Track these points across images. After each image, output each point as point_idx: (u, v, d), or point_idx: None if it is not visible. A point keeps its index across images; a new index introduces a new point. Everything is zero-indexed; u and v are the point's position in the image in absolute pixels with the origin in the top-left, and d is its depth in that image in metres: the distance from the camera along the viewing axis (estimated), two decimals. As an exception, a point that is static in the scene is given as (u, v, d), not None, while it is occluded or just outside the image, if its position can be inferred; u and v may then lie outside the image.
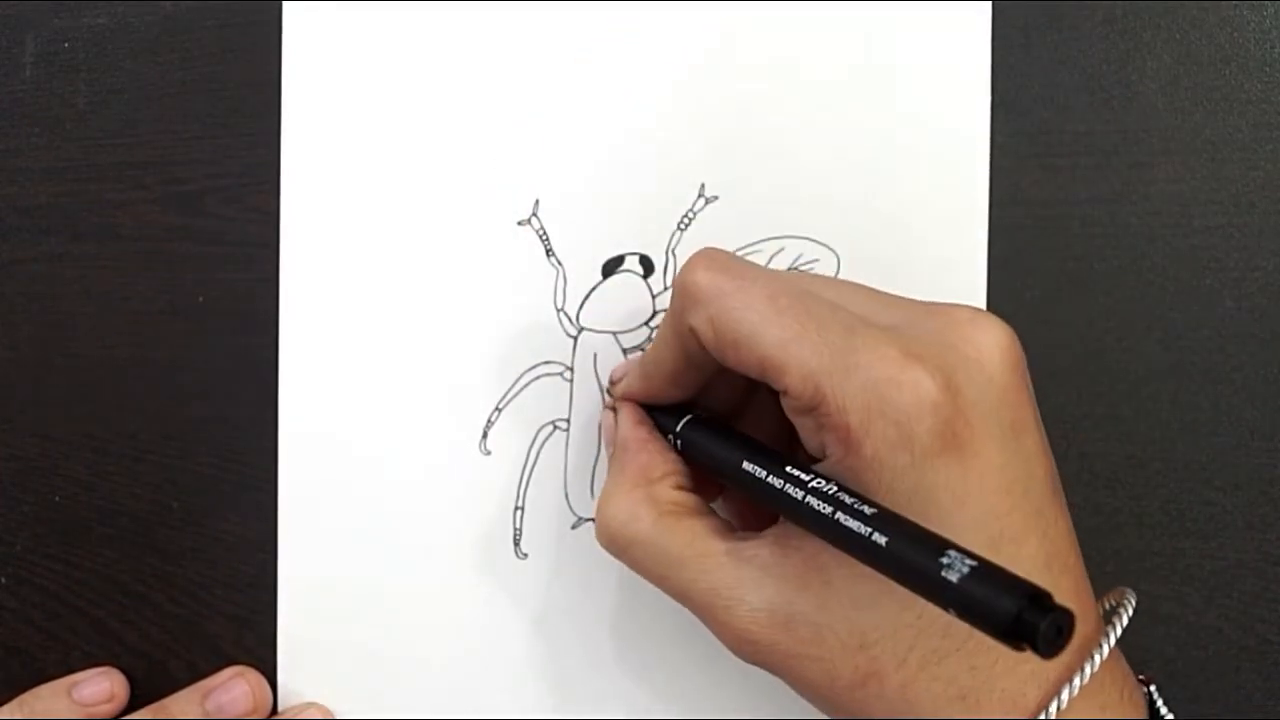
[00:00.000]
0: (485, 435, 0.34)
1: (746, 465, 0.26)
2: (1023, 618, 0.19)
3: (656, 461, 0.28)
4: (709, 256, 0.26)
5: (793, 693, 0.26)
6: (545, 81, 0.34)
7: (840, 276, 0.33)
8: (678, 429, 0.29)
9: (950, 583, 0.20)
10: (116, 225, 0.36)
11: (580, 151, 0.34)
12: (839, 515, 0.22)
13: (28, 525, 0.37)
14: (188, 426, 0.36)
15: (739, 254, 0.33)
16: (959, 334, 0.24)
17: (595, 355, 0.34)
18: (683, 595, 0.26)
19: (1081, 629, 0.23)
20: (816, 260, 0.33)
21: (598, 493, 0.34)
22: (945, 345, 0.24)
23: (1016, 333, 0.25)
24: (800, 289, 0.25)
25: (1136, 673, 0.26)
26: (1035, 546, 0.24)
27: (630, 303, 0.34)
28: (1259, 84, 0.32)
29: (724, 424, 0.29)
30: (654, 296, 0.34)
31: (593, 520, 0.34)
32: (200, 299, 0.36)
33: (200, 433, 0.36)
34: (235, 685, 0.35)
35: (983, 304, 0.33)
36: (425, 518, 0.34)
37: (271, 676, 0.35)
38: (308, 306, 0.35)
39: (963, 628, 0.23)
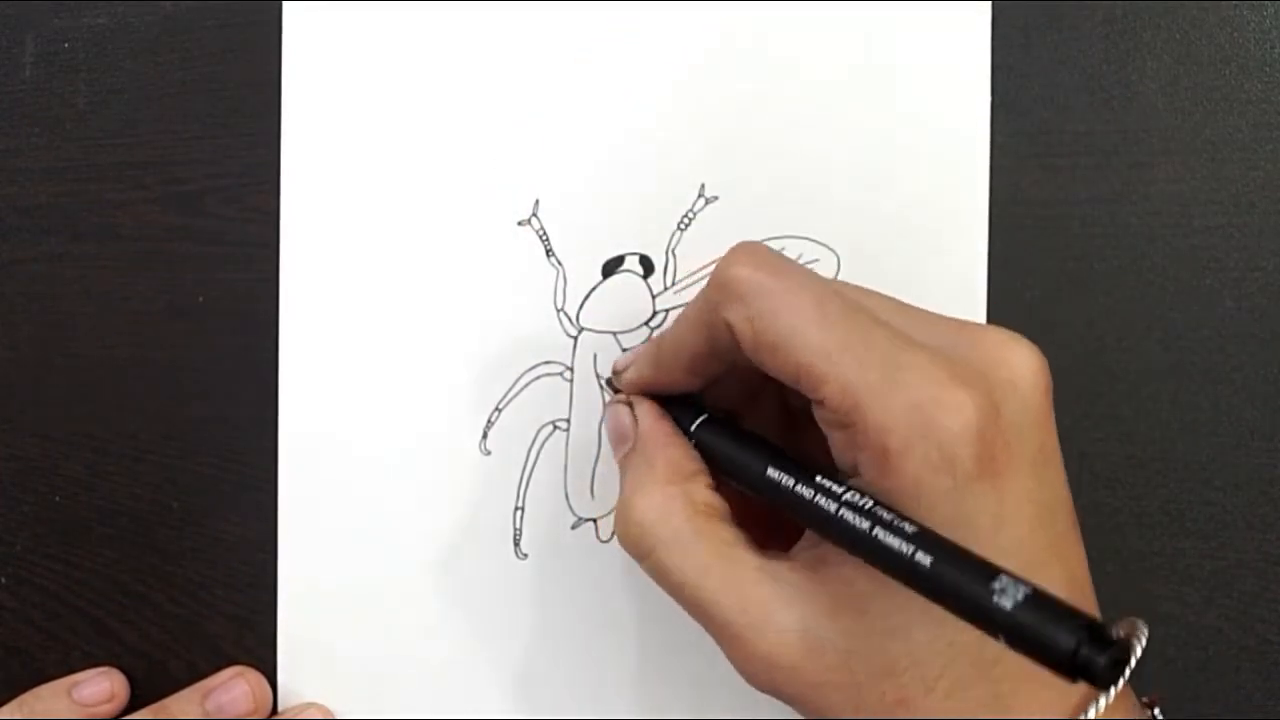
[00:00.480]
0: (485, 435, 0.34)
1: (771, 472, 0.25)
2: (1081, 651, 0.18)
3: (687, 458, 0.27)
4: (752, 251, 0.25)
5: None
6: (545, 81, 0.34)
7: (840, 276, 0.33)
8: (692, 429, 0.27)
9: (1003, 610, 0.19)
10: (116, 225, 0.36)
11: (580, 151, 0.34)
12: (877, 531, 0.22)
13: (28, 525, 0.37)
14: (188, 426, 0.36)
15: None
16: (997, 356, 0.24)
17: (595, 355, 0.34)
18: (705, 608, 0.25)
19: None
20: (817, 260, 0.33)
21: (598, 493, 0.34)
22: (986, 367, 0.24)
23: (1017, 330, 0.25)
24: (848, 299, 0.25)
25: (1139, 692, 0.26)
26: (1059, 574, 0.23)
27: (630, 303, 0.34)
28: (1259, 84, 0.32)
29: (739, 425, 0.28)
30: (654, 296, 0.34)
31: (592, 521, 0.34)
32: (200, 299, 0.36)
33: (200, 433, 0.36)
34: (235, 685, 0.35)
35: (983, 304, 0.33)
36: (425, 518, 0.34)
37: (271, 677, 0.35)
38: (308, 306, 0.35)
39: (990, 654, 0.23)
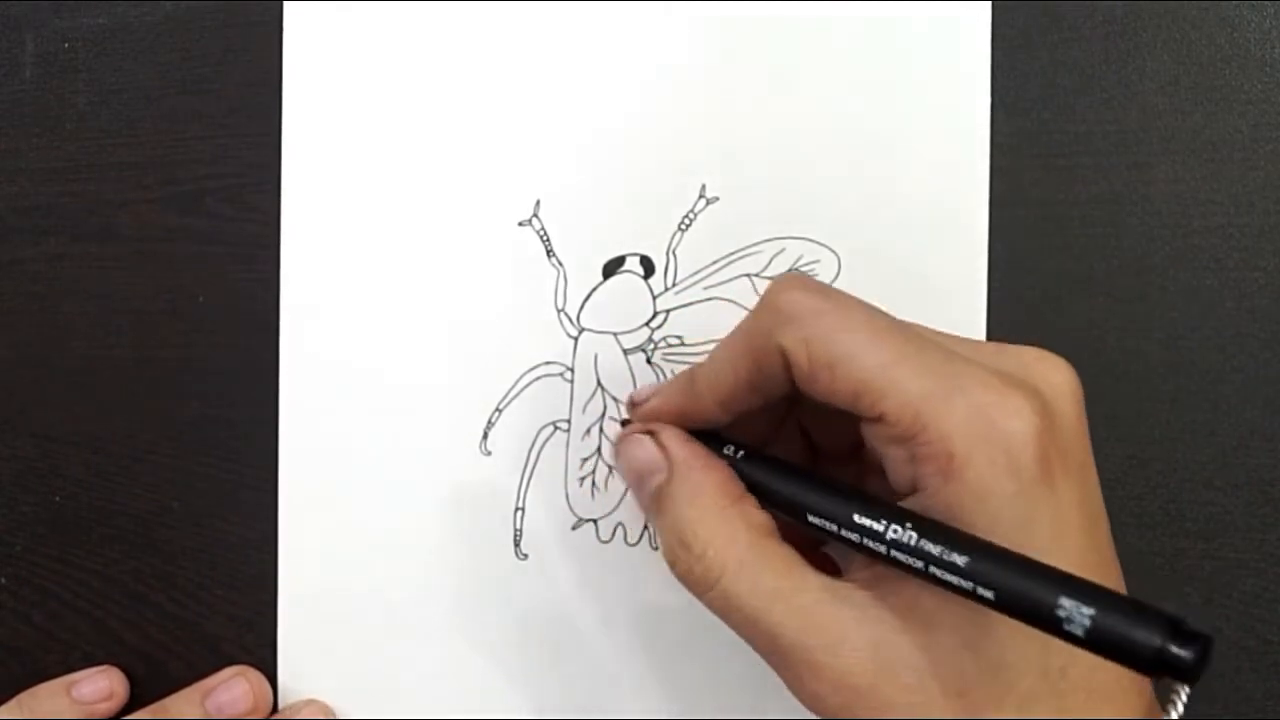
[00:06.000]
0: (485, 435, 0.34)
1: (813, 519, 0.24)
2: (1167, 649, 0.19)
3: (732, 479, 0.26)
4: (800, 278, 0.26)
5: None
6: (545, 81, 0.34)
7: (840, 276, 0.33)
8: (735, 459, 0.26)
9: (1078, 627, 0.20)
10: (116, 225, 0.36)
11: (581, 152, 0.34)
12: (932, 569, 0.22)
13: (28, 525, 0.37)
14: (188, 426, 0.36)
15: (740, 255, 0.33)
16: (1038, 370, 0.24)
17: (595, 356, 0.34)
18: (773, 634, 0.24)
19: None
20: (817, 260, 0.33)
21: (598, 493, 0.34)
22: (1030, 378, 0.24)
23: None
24: (893, 317, 0.25)
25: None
26: (1110, 581, 0.24)
27: (631, 303, 0.34)
28: (1259, 84, 0.32)
29: (775, 458, 0.27)
30: (654, 297, 0.34)
31: (592, 521, 0.34)
32: (200, 299, 0.36)
33: (200, 433, 0.36)
34: (235, 685, 0.35)
35: (983, 304, 0.33)
36: (425, 518, 0.34)
37: (272, 676, 0.35)
38: (308, 306, 0.35)
39: (1055, 666, 0.23)
